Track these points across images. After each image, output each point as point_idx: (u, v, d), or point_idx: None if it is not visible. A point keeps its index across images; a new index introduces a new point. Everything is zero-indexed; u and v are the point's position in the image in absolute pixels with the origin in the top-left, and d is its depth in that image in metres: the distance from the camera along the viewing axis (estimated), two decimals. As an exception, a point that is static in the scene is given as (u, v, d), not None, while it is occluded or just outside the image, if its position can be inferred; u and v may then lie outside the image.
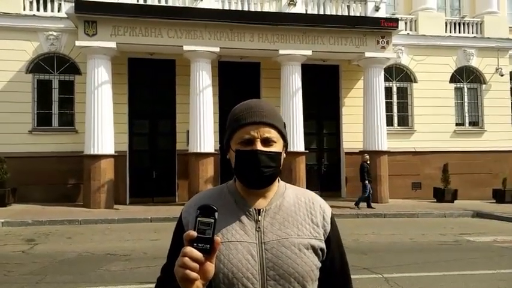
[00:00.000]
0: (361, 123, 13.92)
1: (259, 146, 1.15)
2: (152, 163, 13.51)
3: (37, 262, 6.41)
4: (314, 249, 1.18)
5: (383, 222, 10.98)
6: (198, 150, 12.05)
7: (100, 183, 11.66)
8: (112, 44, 11.69)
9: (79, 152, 12.08)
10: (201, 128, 12.10)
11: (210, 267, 0.92)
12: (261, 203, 1.19)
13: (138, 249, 7.27)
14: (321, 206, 1.26)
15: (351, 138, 14.56)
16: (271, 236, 1.16)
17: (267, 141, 1.16)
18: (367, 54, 13.20)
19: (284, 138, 1.22)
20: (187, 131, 12.71)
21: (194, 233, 0.90)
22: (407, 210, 12.21)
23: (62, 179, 12.53)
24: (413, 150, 15.25)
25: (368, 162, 12.66)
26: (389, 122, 14.94)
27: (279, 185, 1.25)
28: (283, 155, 1.23)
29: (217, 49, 12.21)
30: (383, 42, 13.35)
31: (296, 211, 1.22)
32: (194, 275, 0.90)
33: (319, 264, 1.19)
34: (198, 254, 0.89)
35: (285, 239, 1.16)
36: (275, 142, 1.18)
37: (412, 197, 14.94)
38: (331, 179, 14.68)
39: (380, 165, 13.47)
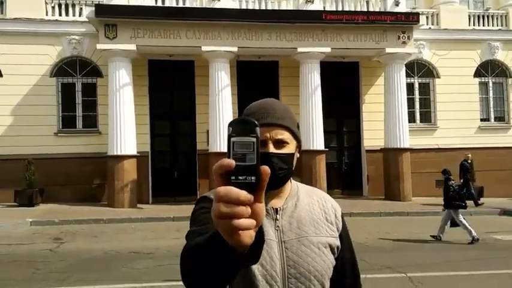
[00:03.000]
0: (382, 120, 13.72)
1: (272, 149, 1.15)
2: (173, 163, 13.68)
3: (64, 260, 6.59)
4: (331, 247, 1.20)
5: (406, 220, 10.81)
6: (218, 150, 12.12)
7: (123, 183, 11.88)
8: (132, 47, 11.89)
9: (103, 153, 12.33)
10: (221, 128, 12.17)
11: (260, 207, 0.66)
12: (276, 203, 1.20)
13: (162, 247, 7.37)
14: (332, 205, 1.28)
15: (372, 136, 14.37)
16: (290, 235, 1.17)
17: (279, 143, 1.17)
18: (388, 50, 13.00)
19: (297, 138, 1.22)
20: (207, 131, 12.80)
21: (231, 162, 0.65)
22: (430, 208, 11.97)
23: (87, 180, 12.82)
24: (436, 147, 14.93)
25: (469, 161, 12.48)
26: (412, 119, 14.66)
27: (292, 184, 1.26)
28: (297, 156, 1.23)
29: (235, 49, 12.25)
30: (404, 38, 13.12)
31: (311, 210, 1.24)
32: (245, 223, 0.64)
33: (334, 262, 1.21)
34: (241, 193, 0.64)
35: (304, 237, 1.18)
36: (288, 143, 1.18)
37: (436, 194, 14.57)
38: (352, 177, 14.52)
39: (402, 163, 13.24)
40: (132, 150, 12.12)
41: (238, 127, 0.68)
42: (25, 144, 12.54)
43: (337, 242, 1.22)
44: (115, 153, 11.86)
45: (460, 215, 8.18)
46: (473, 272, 6.04)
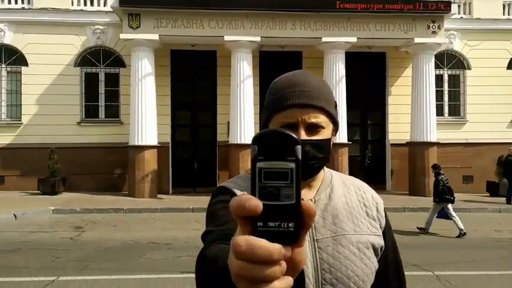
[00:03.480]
0: (409, 113, 13.26)
1: (304, 135, 0.96)
2: (194, 154, 13.63)
3: (83, 249, 6.60)
4: (374, 248, 1.00)
5: (432, 217, 10.42)
6: (239, 142, 11.98)
7: (144, 173, 11.90)
8: (155, 36, 11.82)
9: (124, 143, 12.37)
10: (242, 119, 12.01)
11: (300, 253, 0.46)
12: (307, 194, 1.01)
13: (180, 238, 7.30)
14: (373, 197, 1.08)
15: (397, 129, 13.93)
16: (324, 233, 0.98)
17: (313, 127, 0.97)
18: (417, 40, 12.49)
19: (334, 121, 1.02)
20: (228, 122, 12.67)
21: (257, 204, 0.44)
22: (458, 205, 11.39)
23: (109, 169, 12.92)
24: (465, 141, 14.37)
25: None
26: (439, 112, 14.12)
27: (324, 172, 1.06)
28: (333, 141, 1.04)
29: (258, 38, 12.02)
30: (434, 27, 12.58)
31: (348, 202, 1.03)
32: (277, 286, 0.44)
33: (377, 266, 1.00)
34: (274, 249, 0.43)
35: (341, 235, 0.98)
36: (323, 128, 0.99)
37: (463, 190, 14.09)
38: (375, 171, 14.14)
39: (428, 157, 12.78)
40: (153, 141, 12.11)
41: (268, 146, 0.46)
42: (49, 133, 12.71)
43: (380, 242, 1.02)
44: (136, 144, 11.88)
45: (451, 209, 8.34)
46: (506, 272, 5.73)
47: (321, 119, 0.98)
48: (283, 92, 0.99)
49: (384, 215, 1.06)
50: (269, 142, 0.46)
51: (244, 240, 0.43)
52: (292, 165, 0.45)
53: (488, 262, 6.25)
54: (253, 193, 0.45)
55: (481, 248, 7.22)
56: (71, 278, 5.23)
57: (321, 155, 0.98)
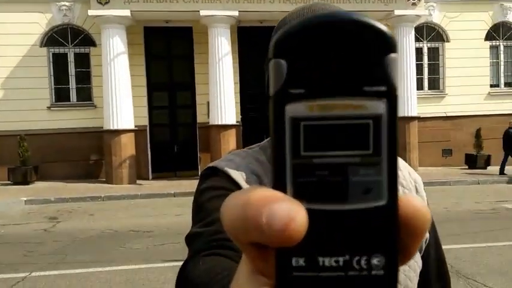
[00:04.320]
0: (390, 87, 13.17)
1: None
2: (173, 137, 13.24)
3: (58, 241, 6.24)
4: None
5: (416, 191, 10.47)
6: (219, 122, 11.65)
7: (121, 159, 11.47)
8: (126, 12, 11.19)
9: (99, 128, 11.86)
10: (222, 99, 11.65)
11: None
12: None
13: (162, 225, 7.02)
14: (410, 174, 0.85)
15: (379, 104, 13.84)
16: None
17: None
18: (397, 12, 12.29)
19: None
20: (208, 103, 12.28)
21: (294, 215, 0.18)
22: (438, 178, 11.62)
23: (84, 155, 12.40)
24: (444, 115, 14.44)
25: None
26: (419, 86, 14.08)
27: None
28: None
29: (235, 13, 11.55)
30: (414, -1, 12.38)
31: None
32: None
33: (421, 265, 0.79)
34: None
35: None
36: None
37: (443, 164, 14.27)
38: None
39: (409, 132, 12.81)
40: (130, 124, 11.64)
41: (316, 61, 0.19)
42: (17, 119, 12.00)
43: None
44: (111, 128, 11.38)
45: None
46: (492, 244, 5.72)
47: None
48: None
49: (424, 196, 0.84)
50: (317, 49, 0.19)
51: None
52: (380, 106, 0.19)
53: (473, 234, 6.23)
54: (279, 183, 0.20)
55: (463, 220, 7.23)
56: (44, 273, 4.89)
57: None
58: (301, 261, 0.19)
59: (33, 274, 4.84)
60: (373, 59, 0.19)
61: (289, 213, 0.18)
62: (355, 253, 0.19)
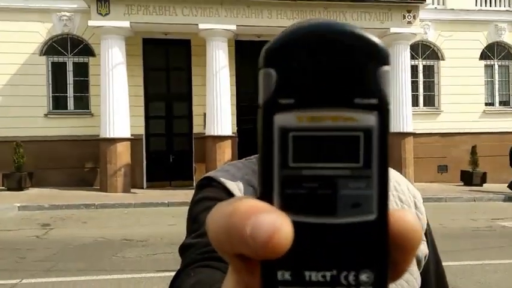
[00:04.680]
0: (385, 103, 13.31)
1: None
2: (169, 147, 13.27)
3: (50, 248, 6.22)
4: (417, 258, 0.77)
5: (409, 206, 10.50)
6: (215, 133, 11.71)
7: (117, 167, 11.47)
8: (125, 24, 11.32)
9: (95, 136, 11.88)
10: (218, 111, 11.73)
11: None
12: None
13: (155, 234, 7.01)
14: (409, 189, 0.85)
15: (374, 120, 13.96)
16: None
17: None
18: (393, 30, 12.50)
19: None
20: (204, 114, 12.36)
21: (279, 227, 0.18)
22: (433, 194, 11.65)
23: (79, 163, 12.40)
24: (439, 131, 14.57)
25: None
26: (415, 103, 14.24)
27: None
28: None
29: (233, 27, 11.71)
30: (409, 17, 12.60)
31: None
32: None
33: (420, 282, 0.78)
34: None
35: None
36: None
37: (438, 180, 14.34)
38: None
39: (405, 148, 12.90)
40: (126, 133, 11.68)
41: (305, 72, 0.18)
42: (13, 126, 12.03)
43: (424, 249, 0.79)
44: (108, 136, 11.41)
45: None
46: (487, 262, 5.72)
47: None
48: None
49: (424, 211, 0.84)
50: (307, 59, 0.19)
51: None
52: (371, 119, 0.19)
53: (468, 252, 6.25)
54: (266, 195, 0.19)
55: (459, 237, 7.24)
56: (35, 280, 4.87)
57: None
58: (287, 275, 0.18)
59: (24, 281, 4.82)
60: (365, 71, 0.18)
61: (274, 225, 0.17)
62: (343, 268, 0.18)
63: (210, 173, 0.79)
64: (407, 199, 0.82)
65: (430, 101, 14.91)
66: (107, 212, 9.29)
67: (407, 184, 0.85)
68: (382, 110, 0.19)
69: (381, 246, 0.19)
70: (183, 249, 0.70)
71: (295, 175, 0.19)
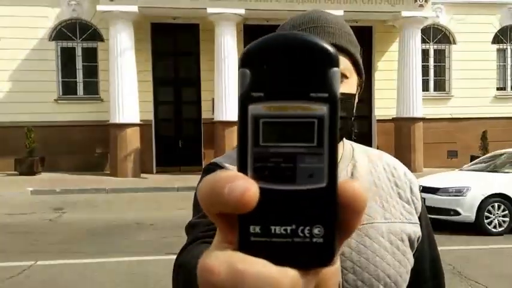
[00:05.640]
0: (395, 88, 13.17)
1: None
2: (178, 132, 13.33)
3: (64, 231, 6.35)
4: (410, 239, 0.79)
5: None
6: (224, 119, 11.72)
7: (126, 152, 11.58)
8: (134, 8, 11.28)
9: (105, 121, 11.96)
10: (227, 96, 11.72)
11: (330, 281, 0.26)
12: None
13: (165, 218, 7.11)
14: (406, 174, 0.87)
15: (383, 105, 13.85)
16: None
17: None
18: (404, 14, 12.27)
19: (359, 70, 0.81)
20: (213, 99, 12.36)
21: (248, 187, 0.23)
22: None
23: (89, 148, 12.53)
24: (449, 116, 14.41)
25: None
26: (425, 87, 14.06)
27: (344, 144, 0.85)
28: (356, 99, 0.82)
29: (242, 11, 11.60)
30: (421, 0, 12.35)
31: (376, 181, 0.82)
32: None
33: (413, 262, 0.80)
34: (280, 282, 0.23)
35: (367, 224, 0.76)
36: (347, 77, 0.78)
37: (448, 166, 14.23)
38: (361, 147, 14.14)
39: (414, 133, 12.82)
40: (135, 118, 11.75)
41: (272, 71, 0.24)
42: (24, 111, 12.15)
43: (417, 231, 0.81)
44: (117, 121, 11.50)
45: None
46: (493, 246, 5.73)
47: (344, 64, 0.77)
48: (295, 31, 0.77)
49: (419, 196, 0.86)
50: (274, 61, 0.24)
51: (224, 262, 0.23)
52: (323, 109, 0.24)
53: (478, 236, 6.26)
54: (242, 167, 0.24)
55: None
56: (50, 262, 5.00)
57: (343, 114, 0.76)
58: (257, 229, 0.24)
59: (39, 263, 4.95)
60: (318, 71, 0.24)
61: (244, 186, 0.22)
62: (300, 224, 0.24)
63: (216, 159, 0.85)
64: (403, 184, 0.84)
65: (440, 85, 14.72)
66: (117, 197, 9.42)
67: (404, 170, 0.88)
68: (332, 102, 0.24)
69: (330, 207, 0.24)
70: (188, 228, 0.77)
71: (264, 152, 0.24)
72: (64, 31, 12.75)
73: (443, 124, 14.33)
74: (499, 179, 6.91)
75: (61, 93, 12.85)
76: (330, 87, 0.24)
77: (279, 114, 0.24)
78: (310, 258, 0.23)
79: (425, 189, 6.40)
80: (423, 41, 13.83)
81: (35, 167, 11.61)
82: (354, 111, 0.81)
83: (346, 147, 0.86)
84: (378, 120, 14.08)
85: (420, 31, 13.01)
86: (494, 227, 6.45)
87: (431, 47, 14.54)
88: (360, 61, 0.81)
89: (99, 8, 11.30)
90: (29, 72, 12.32)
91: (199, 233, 0.70)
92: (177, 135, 13.30)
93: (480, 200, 6.46)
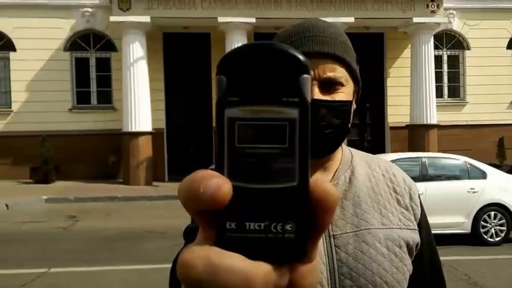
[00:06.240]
0: (408, 95, 13.05)
1: (318, 94, 0.74)
2: (189, 140, 13.41)
3: (77, 239, 6.41)
4: (408, 246, 0.79)
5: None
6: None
7: (139, 160, 11.68)
8: (146, 19, 11.44)
9: (118, 130, 12.11)
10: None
11: (308, 278, 0.26)
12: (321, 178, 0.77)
13: (176, 226, 7.06)
14: (404, 180, 0.86)
15: (397, 112, 13.73)
16: (343, 226, 0.76)
17: (330, 84, 0.75)
18: (415, 20, 12.20)
19: (356, 78, 0.81)
20: (224, 107, 12.41)
21: (221, 184, 0.25)
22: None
23: (102, 157, 12.66)
24: (465, 123, 14.21)
25: None
26: (439, 94, 13.91)
27: (343, 150, 0.85)
28: (354, 106, 0.82)
29: (253, 20, 11.68)
30: (433, 6, 12.28)
31: (374, 188, 0.82)
32: None
33: (411, 269, 0.80)
34: (253, 275, 0.24)
35: (365, 230, 0.76)
36: (343, 85, 0.77)
37: (463, 173, 14.00)
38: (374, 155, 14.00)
39: (429, 140, 12.65)
40: (148, 127, 11.86)
41: (247, 77, 0.25)
42: (40, 120, 12.38)
43: (416, 238, 0.80)
44: (130, 130, 11.63)
45: None
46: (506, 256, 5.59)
47: (340, 72, 0.77)
48: (289, 41, 0.76)
49: (418, 202, 0.85)
50: (248, 68, 0.25)
51: (201, 256, 0.24)
52: (294, 112, 0.25)
53: (494, 246, 6.12)
54: (219, 167, 0.26)
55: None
56: (63, 269, 5.04)
57: (338, 121, 0.76)
58: (233, 225, 0.25)
59: (52, 270, 4.99)
60: (290, 78, 0.25)
61: (217, 184, 0.24)
62: (273, 220, 0.25)
63: (213, 166, 0.84)
64: (402, 190, 0.84)
65: (455, 91, 14.55)
66: (129, 205, 9.49)
67: (403, 176, 0.87)
68: (303, 106, 0.25)
69: (301, 205, 0.25)
70: (185, 233, 0.80)
71: (239, 152, 0.25)
72: (78, 42, 13.00)
73: (459, 131, 14.12)
74: None
75: (75, 103, 13.06)
76: (301, 92, 0.25)
77: (253, 117, 0.25)
78: (283, 253, 0.25)
79: None
80: (436, 47, 13.71)
81: (50, 175, 11.78)
82: (351, 117, 0.81)
83: (345, 153, 0.86)
84: (391, 128, 13.95)
85: (433, 37, 12.91)
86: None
87: (445, 53, 14.40)
88: (356, 69, 0.81)
89: (112, 18, 11.50)
90: (44, 83, 12.57)
91: (194, 237, 0.71)
92: (189, 143, 13.37)
93: None
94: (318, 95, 0.73)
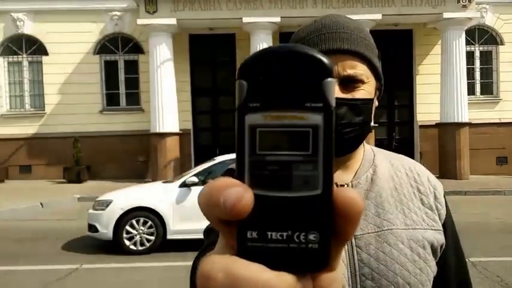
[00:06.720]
0: (438, 93, 12.69)
1: (338, 92, 0.72)
2: (215, 140, 13.52)
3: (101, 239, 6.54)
4: (432, 247, 0.77)
5: (463, 200, 9.97)
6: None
7: (166, 161, 11.87)
8: (172, 21, 11.62)
9: (146, 131, 12.35)
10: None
11: (329, 280, 0.25)
12: (342, 177, 0.78)
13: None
14: (429, 180, 0.84)
15: (426, 110, 13.39)
16: (365, 227, 0.74)
17: (350, 82, 0.73)
18: (446, 15, 11.84)
19: (378, 75, 0.77)
20: (250, 107, 12.44)
21: (242, 194, 0.24)
22: (491, 187, 11.01)
23: (132, 157, 12.95)
24: (498, 121, 13.70)
25: None
26: (471, 91, 13.48)
27: (365, 149, 0.83)
28: (376, 103, 0.79)
29: (278, 19, 11.65)
30: (464, 1, 11.88)
31: (397, 187, 0.79)
32: None
33: (436, 271, 0.77)
34: (275, 286, 0.23)
35: (387, 230, 0.74)
36: (364, 82, 0.74)
37: (497, 172, 13.52)
38: (403, 154, 13.59)
39: (460, 139, 12.26)
40: (175, 128, 12.04)
41: (268, 83, 0.24)
42: (72, 122, 12.81)
43: (440, 238, 0.78)
44: (158, 131, 11.83)
45: None
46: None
47: (361, 69, 0.74)
48: (307, 38, 0.75)
49: (444, 202, 0.83)
50: (270, 73, 0.24)
51: (221, 267, 0.23)
52: (318, 118, 0.24)
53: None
54: (239, 175, 0.25)
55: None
56: (94, 266, 5.18)
57: (359, 119, 0.73)
58: (255, 234, 0.24)
59: (84, 266, 5.15)
60: (313, 82, 0.24)
61: (238, 194, 0.23)
62: (296, 230, 0.24)
63: (232, 165, 0.85)
64: (426, 190, 0.82)
65: (487, 88, 14.05)
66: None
67: (428, 175, 0.85)
68: (327, 112, 0.24)
69: (325, 214, 0.24)
70: (206, 233, 0.79)
71: (260, 160, 0.24)
72: (107, 45, 13.35)
73: (492, 129, 13.65)
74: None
75: (105, 105, 13.41)
76: (325, 97, 0.24)
77: (274, 124, 0.24)
78: (306, 263, 0.24)
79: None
80: (468, 43, 13.28)
81: (82, 175, 12.15)
82: (372, 115, 0.79)
83: (367, 152, 0.84)
84: (421, 126, 13.62)
85: (464, 32, 12.51)
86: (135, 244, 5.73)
87: (477, 49, 13.94)
88: (378, 65, 0.78)
89: (140, 21, 11.73)
90: (75, 85, 12.98)
91: (214, 237, 0.71)
92: (215, 144, 13.47)
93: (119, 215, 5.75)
94: (338, 93, 0.72)
